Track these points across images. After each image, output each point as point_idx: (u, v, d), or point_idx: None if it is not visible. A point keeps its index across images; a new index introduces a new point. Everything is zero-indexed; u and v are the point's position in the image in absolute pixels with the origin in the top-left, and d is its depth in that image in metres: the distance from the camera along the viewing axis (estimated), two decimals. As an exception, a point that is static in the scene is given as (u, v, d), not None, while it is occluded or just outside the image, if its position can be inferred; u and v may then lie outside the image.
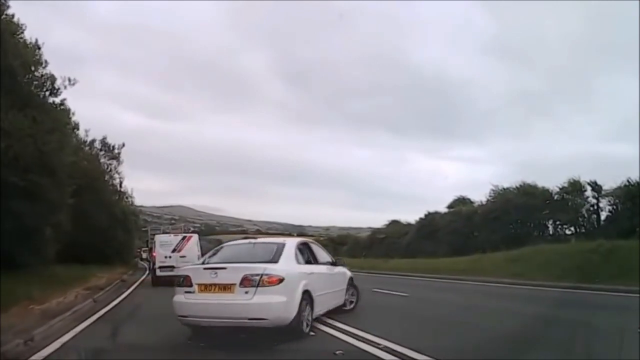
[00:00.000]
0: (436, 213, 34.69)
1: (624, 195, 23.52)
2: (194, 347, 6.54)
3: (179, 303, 6.80)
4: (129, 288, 17.28)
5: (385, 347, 5.82)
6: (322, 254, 8.80)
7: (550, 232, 27.55)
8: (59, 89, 16.26)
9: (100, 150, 33.80)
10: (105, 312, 10.40)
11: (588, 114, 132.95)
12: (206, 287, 6.60)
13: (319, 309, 7.43)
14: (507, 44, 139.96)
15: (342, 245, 46.66)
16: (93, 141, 33.00)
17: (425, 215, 35.32)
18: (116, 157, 34.56)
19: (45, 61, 15.94)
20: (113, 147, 34.38)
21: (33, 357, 5.75)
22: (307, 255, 8.04)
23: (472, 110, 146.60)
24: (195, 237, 19.99)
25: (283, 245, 7.43)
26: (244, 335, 6.53)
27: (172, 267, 17.66)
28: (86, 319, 9.06)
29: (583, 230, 26.09)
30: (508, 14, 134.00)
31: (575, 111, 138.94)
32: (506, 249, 21.29)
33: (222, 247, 8.26)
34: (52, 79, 16.08)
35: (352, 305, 9.37)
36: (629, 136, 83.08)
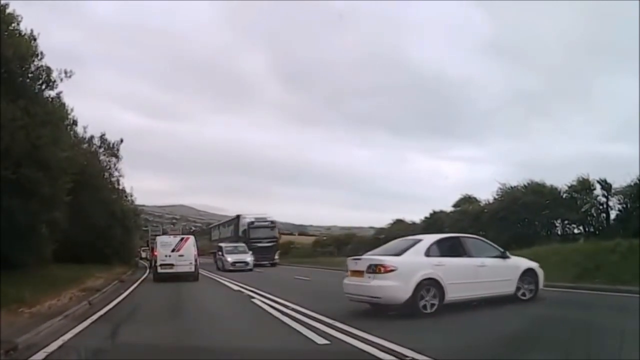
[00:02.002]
0: (442, 212, 34.02)
1: (634, 194, 22.92)
2: (195, 348, 6.58)
3: (344, 284, 9.44)
4: (127, 289, 16.68)
5: (413, 359, 5.19)
6: (478, 247, 9.76)
7: (559, 232, 26.99)
8: (54, 81, 15.69)
9: (100, 147, 33.07)
10: (100, 316, 9.76)
11: (588, 113, 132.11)
12: (352, 273, 9.21)
13: (456, 294, 8.66)
14: (506, 43, 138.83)
15: (346, 244, 45.89)
16: (92, 138, 32.28)
17: (431, 215, 34.60)
18: (115, 154, 33.80)
19: (41, 52, 15.34)
20: (113, 144, 33.63)
21: (32, 357, 5.69)
22: (452, 248, 9.33)
23: (472, 110, 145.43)
24: (191, 238, 21.67)
25: (417, 242, 9.31)
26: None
27: (172, 265, 19.73)
28: (79, 323, 8.43)
29: (592, 230, 25.54)
30: (507, 14, 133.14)
31: (574, 111, 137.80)
32: (517, 248, 20.62)
33: (386, 244, 10.59)
34: (48, 71, 15.47)
35: (530, 295, 9.84)
36: (629, 136, 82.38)
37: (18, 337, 6.41)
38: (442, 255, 9.02)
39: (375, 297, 8.63)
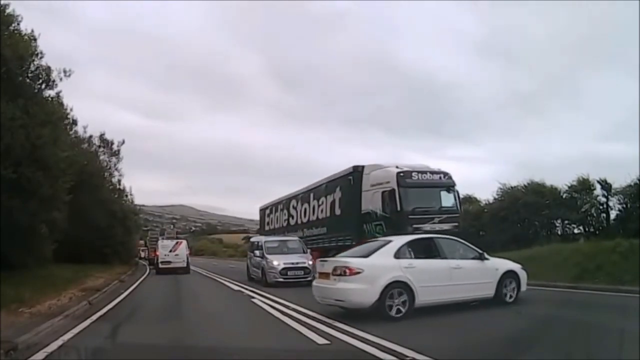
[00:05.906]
0: (441, 212, 33.91)
1: (634, 194, 22.88)
2: (194, 347, 6.59)
3: (312, 286, 9.26)
4: (127, 289, 16.66)
5: (413, 359, 5.18)
6: (454, 248, 9.39)
7: (559, 232, 26.95)
8: (54, 81, 15.66)
9: (100, 147, 33.07)
10: (100, 316, 9.73)
11: (585, 113, 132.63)
12: (320, 275, 8.99)
13: (427, 298, 8.28)
14: (503, 44, 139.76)
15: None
16: (91, 137, 32.28)
17: (431, 214, 34.51)
18: (116, 154, 33.80)
19: (41, 52, 15.32)
20: (112, 143, 33.63)
21: (32, 357, 5.69)
22: (425, 250, 8.94)
23: (470, 110, 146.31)
24: (184, 242, 28.67)
25: (386, 243, 8.91)
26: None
27: (169, 262, 26.63)
28: (79, 323, 8.39)
29: (592, 230, 25.50)
30: (505, 14, 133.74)
31: (574, 111, 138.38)
32: (516, 248, 20.60)
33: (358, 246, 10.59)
34: (47, 70, 15.45)
35: (512, 299, 9.49)
36: (628, 136, 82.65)
37: (18, 337, 6.38)
38: (414, 256, 8.66)
39: (340, 300, 8.33)
